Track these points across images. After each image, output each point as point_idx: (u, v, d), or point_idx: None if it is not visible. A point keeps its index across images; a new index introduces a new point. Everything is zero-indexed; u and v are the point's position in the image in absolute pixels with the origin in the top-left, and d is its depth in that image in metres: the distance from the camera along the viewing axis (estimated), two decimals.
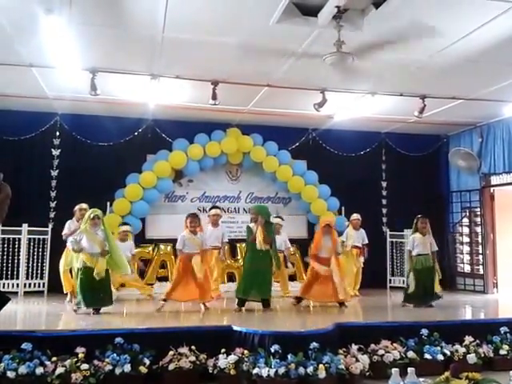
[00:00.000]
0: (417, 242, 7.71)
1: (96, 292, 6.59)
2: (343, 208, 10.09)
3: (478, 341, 5.93)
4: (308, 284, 7.60)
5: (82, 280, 6.56)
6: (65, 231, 7.68)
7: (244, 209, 10.13)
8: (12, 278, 8.59)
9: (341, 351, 5.33)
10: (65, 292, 7.79)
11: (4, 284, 8.53)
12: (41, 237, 8.85)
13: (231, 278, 9.50)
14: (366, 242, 9.17)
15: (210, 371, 5.11)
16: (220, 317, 6.75)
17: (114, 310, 6.87)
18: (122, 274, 7.49)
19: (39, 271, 8.80)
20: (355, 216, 9.23)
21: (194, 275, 6.94)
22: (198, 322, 6.45)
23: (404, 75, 7.04)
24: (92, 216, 6.72)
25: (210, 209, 8.74)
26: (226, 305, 7.81)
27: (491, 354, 5.84)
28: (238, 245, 9.64)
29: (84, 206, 7.69)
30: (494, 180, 9.98)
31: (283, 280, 8.85)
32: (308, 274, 7.79)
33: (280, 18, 5.28)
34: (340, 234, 9.69)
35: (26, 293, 8.53)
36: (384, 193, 10.87)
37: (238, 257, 9.60)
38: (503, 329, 6.16)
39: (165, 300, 7.01)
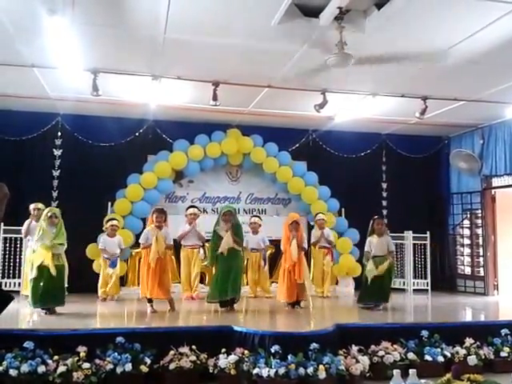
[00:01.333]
0: (373, 244, 7.58)
1: (50, 291, 6.52)
2: (343, 209, 10.09)
3: (478, 343, 5.92)
4: (289, 286, 7.31)
5: (37, 279, 6.51)
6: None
7: (244, 209, 10.13)
8: (14, 277, 8.60)
9: (341, 352, 5.33)
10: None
11: (6, 283, 8.53)
12: None
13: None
14: (331, 240, 9.08)
15: (211, 371, 5.12)
16: (220, 317, 6.75)
17: (114, 310, 6.87)
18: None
19: None
20: (320, 216, 9.13)
21: (157, 272, 6.86)
22: (199, 321, 6.47)
23: (405, 76, 7.05)
24: (49, 214, 6.71)
25: (188, 208, 8.73)
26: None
27: (492, 356, 5.84)
28: None
29: (40, 205, 7.90)
30: (496, 182, 9.96)
31: (264, 280, 8.91)
32: (282, 277, 7.46)
33: (281, 19, 5.28)
34: (340, 234, 9.76)
35: None
36: (384, 194, 10.86)
37: None
38: (504, 331, 6.15)
39: (150, 300, 6.92)
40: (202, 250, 8.62)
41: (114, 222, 8.41)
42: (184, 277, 8.53)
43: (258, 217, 9.08)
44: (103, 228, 8.52)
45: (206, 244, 8.61)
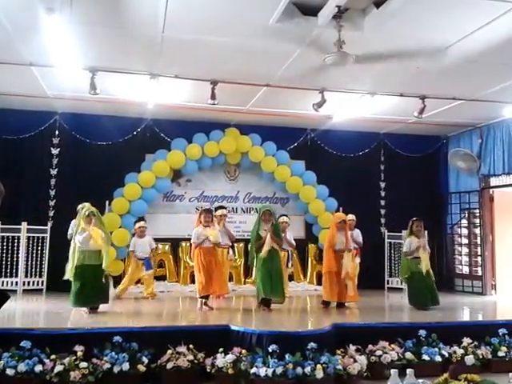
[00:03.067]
0: (414, 245, 7.68)
1: (91, 290, 6.54)
2: (341, 209, 10.06)
3: (476, 342, 5.94)
4: (330, 286, 7.42)
5: (78, 278, 6.51)
6: (70, 231, 7.76)
7: (242, 209, 10.14)
8: (11, 276, 8.59)
9: (338, 352, 5.33)
10: None
11: (3, 282, 8.53)
12: (40, 235, 8.83)
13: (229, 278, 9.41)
14: (360, 241, 8.97)
15: (208, 370, 5.12)
16: (218, 316, 6.74)
17: (112, 309, 6.86)
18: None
19: (38, 269, 8.79)
20: (350, 216, 8.81)
21: (212, 269, 7.03)
22: (197, 321, 6.46)
23: (404, 75, 7.05)
24: (87, 214, 6.70)
25: (216, 209, 8.72)
26: (224, 304, 7.81)
27: (489, 356, 5.85)
28: (235, 245, 9.60)
29: (87, 206, 7.76)
30: (494, 181, 9.97)
31: (285, 280, 8.84)
32: (326, 277, 7.51)
33: (280, 18, 5.28)
34: None
35: (24, 291, 8.52)
36: (382, 194, 10.87)
37: (236, 257, 9.56)
38: (501, 330, 6.16)
39: (203, 297, 7.02)
40: (231, 251, 8.68)
41: (142, 223, 8.45)
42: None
43: (286, 215, 9.01)
44: (132, 230, 8.60)
45: (235, 244, 8.90)
